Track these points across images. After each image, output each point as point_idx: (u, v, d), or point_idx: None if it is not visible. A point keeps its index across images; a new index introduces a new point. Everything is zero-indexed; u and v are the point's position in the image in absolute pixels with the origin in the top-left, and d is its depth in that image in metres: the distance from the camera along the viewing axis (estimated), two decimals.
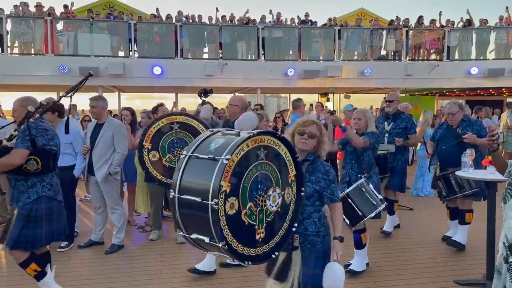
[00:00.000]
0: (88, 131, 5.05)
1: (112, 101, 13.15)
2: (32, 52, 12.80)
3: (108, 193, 4.99)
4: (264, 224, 2.18)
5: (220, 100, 22.54)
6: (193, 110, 6.46)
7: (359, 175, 4.17)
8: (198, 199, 1.95)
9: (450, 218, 5.26)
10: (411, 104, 9.82)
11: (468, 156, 4.12)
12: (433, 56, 14.97)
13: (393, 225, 5.61)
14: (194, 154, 2.09)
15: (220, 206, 1.93)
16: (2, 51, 12.22)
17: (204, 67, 12.69)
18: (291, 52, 14.20)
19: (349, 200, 3.87)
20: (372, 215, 3.89)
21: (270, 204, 2.20)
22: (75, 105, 10.18)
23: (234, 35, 13.89)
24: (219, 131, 2.21)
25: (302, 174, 2.40)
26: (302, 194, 2.41)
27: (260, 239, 2.16)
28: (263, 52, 13.67)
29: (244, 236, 2.08)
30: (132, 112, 6.29)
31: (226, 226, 1.97)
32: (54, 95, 14.12)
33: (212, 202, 1.90)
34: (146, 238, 5.48)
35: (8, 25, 12.40)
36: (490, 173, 3.78)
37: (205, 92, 5.16)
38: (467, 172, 4.08)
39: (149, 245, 5.24)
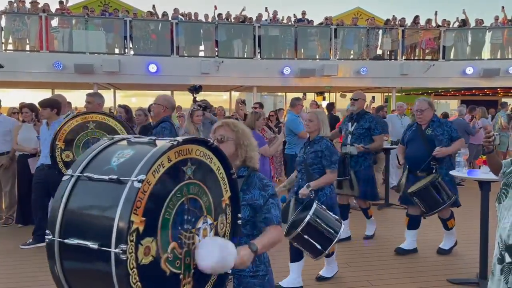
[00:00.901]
0: None
1: (108, 98, 13.06)
2: (27, 48, 12.72)
3: None
4: (192, 271, 1.54)
5: (215, 99, 22.49)
6: (188, 108, 6.42)
7: (309, 187, 3.65)
8: (94, 245, 1.25)
9: (408, 227, 4.82)
10: (406, 104, 9.87)
11: (462, 156, 4.13)
12: (428, 56, 15.01)
13: (373, 228, 5.45)
14: (85, 174, 1.37)
15: (130, 254, 1.25)
16: None
17: (200, 65, 12.65)
18: (287, 51, 14.18)
19: (306, 237, 3.35)
20: (334, 242, 3.43)
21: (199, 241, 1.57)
22: (69, 103, 10.09)
23: (230, 33, 13.85)
24: (124, 138, 1.53)
25: (238, 196, 1.83)
26: (239, 222, 1.83)
27: None
28: (259, 51, 13.65)
29: None
30: (126, 109, 6.25)
31: (138, 283, 1.29)
32: (49, 92, 14.05)
33: (117, 250, 1.22)
34: None
35: (3, 21, 12.31)
36: (483, 173, 3.78)
37: (195, 89, 5.19)
38: (461, 172, 4.09)
39: None
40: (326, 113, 7.90)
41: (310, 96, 16.71)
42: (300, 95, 10.87)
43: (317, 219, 3.35)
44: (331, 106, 10.74)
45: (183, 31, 13.38)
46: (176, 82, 13.13)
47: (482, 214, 3.86)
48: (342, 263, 4.37)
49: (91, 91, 12.70)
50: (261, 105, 7.91)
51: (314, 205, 3.41)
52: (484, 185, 3.81)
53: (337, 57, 14.16)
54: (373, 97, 10.25)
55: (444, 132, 4.45)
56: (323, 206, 3.53)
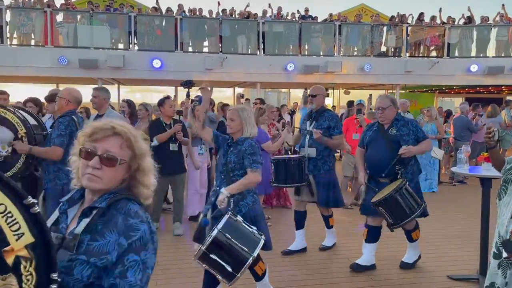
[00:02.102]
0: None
1: (112, 93, 13.11)
2: (32, 43, 12.77)
3: None
4: None
5: (219, 95, 22.50)
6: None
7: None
8: None
9: (366, 240, 4.29)
10: (410, 100, 9.85)
11: (464, 153, 4.14)
12: (433, 53, 14.96)
13: (334, 239, 4.95)
14: None
15: None
16: (2, 42, 12.18)
17: (204, 61, 12.67)
18: (291, 47, 14.18)
19: (213, 257, 2.77)
20: (247, 264, 2.78)
21: None
22: None
23: (235, 29, 13.85)
24: None
25: (50, 244, 1.17)
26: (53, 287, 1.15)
27: None
28: (263, 47, 13.65)
29: None
30: (129, 104, 6.30)
31: None
32: (53, 87, 14.11)
33: None
34: None
35: (8, 16, 12.35)
36: (485, 170, 3.80)
37: (188, 84, 5.26)
38: (462, 168, 4.10)
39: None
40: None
41: None
42: (302, 90, 10.88)
43: (226, 235, 2.77)
44: (351, 103, 9.69)
45: (187, 26, 13.40)
46: (180, 78, 13.04)
47: (482, 211, 3.88)
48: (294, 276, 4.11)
49: (95, 86, 12.79)
50: (262, 101, 7.98)
51: (225, 217, 2.87)
52: (485, 182, 3.83)
53: (341, 54, 14.14)
54: (370, 95, 10.22)
55: (409, 132, 3.95)
56: (239, 218, 2.95)
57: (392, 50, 14.81)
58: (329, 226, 4.91)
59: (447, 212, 6.67)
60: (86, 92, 5.05)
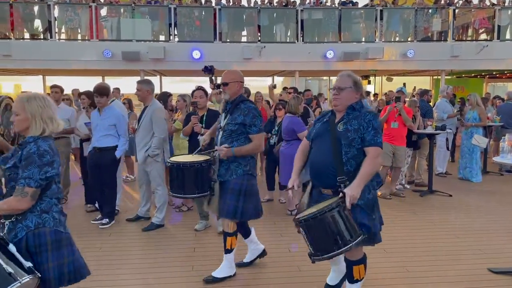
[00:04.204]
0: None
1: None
2: (79, 37, 13.30)
3: (151, 174, 5.30)
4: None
5: (258, 84, 22.56)
6: None
7: None
8: None
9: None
10: (457, 87, 9.41)
11: (507, 141, 3.95)
12: (482, 36, 14.22)
13: (229, 269, 3.85)
14: None
15: None
16: (51, 37, 12.77)
17: (242, 51, 12.71)
18: (330, 34, 13.94)
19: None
20: None
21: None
22: (118, 88, 10.54)
23: (273, 18, 13.78)
24: None
25: None
26: None
27: None
28: (301, 35, 13.51)
29: None
30: (166, 95, 6.55)
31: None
32: (99, 79, 14.68)
33: None
34: (182, 218, 5.70)
35: (56, 12, 12.90)
36: None
37: (208, 70, 5.28)
38: (506, 158, 3.92)
39: (185, 226, 5.43)
40: (416, 99, 7.55)
41: None
42: None
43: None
44: (425, 92, 8.50)
45: (226, 17, 13.46)
46: (218, 68, 13.22)
47: None
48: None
49: (138, 78, 13.18)
50: (295, 90, 7.99)
51: None
52: None
53: (382, 40, 13.75)
54: (404, 84, 9.76)
55: (360, 127, 2.84)
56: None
57: (437, 34, 14.21)
58: (226, 249, 3.79)
59: (489, 203, 6.44)
60: (129, 84, 5.34)
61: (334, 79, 15.56)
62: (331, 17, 13.68)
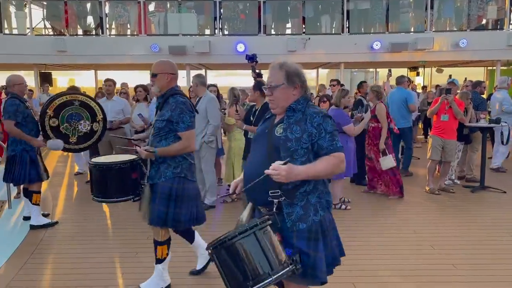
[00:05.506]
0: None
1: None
2: (128, 33, 13.75)
3: (204, 158, 5.73)
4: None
5: None
6: None
7: None
8: None
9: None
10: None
11: None
12: None
13: (159, 282, 3.48)
14: None
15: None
16: (102, 32, 13.29)
17: (286, 43, 12.65)
18: (377, 25, 13.58)
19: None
20: None
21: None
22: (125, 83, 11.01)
23: (318, 9, 13.61)
24: None
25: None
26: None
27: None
28: (347, 26, 13.25)
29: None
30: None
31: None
32: (146, 73, 15.11)
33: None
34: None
35: (107, 9, 13.40)
36: None
37: (251, 58, 5.48)
38: None
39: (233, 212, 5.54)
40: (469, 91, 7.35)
41: (402, 71, 15.86)
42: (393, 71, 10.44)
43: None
44: (478, 83, 8.14)
45: (270, 9, 13.45)
46: (263, 61, 13.27)
47: None
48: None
49: (184, 71, 13.46)
50: (338, 82, 7.97)
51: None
52: None
53: (432, 29, 13.22)
54: (390, 70, 9.48)
55: (303, 135, 2.19)
56: None
57: (493, 22, 13.47)
58: (157, 259, 3.46)
59: None
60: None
61: (381, 71, 15.31)
62: (378, 7, 13.31)
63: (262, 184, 2.12)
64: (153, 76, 3.32)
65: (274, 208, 2.14)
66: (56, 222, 5.23)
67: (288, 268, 1.99)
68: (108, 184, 3.38)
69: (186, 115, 3.23)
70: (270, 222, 2.05)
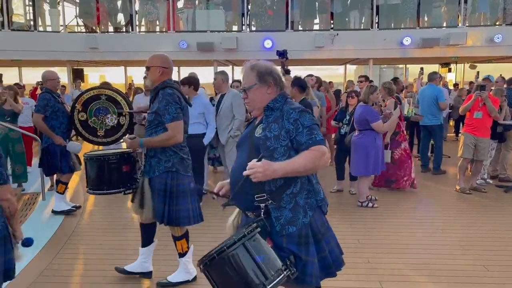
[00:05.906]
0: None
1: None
2: (157, 29, 13.95)
3: (229, 154, 5.83)
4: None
5: (331, 72, 22.18)
6: None
7: None
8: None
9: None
10: None
11: None
12: None
13: (185, 274, 3.54)
14: None
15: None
16: (132, 29, 13.53)
17: (314, 39, 12.54)
18: (408, 20, 13.29)
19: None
20: None
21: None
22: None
23: (347, 4, 13.44)
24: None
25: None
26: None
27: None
28: (377, 21, 13.02)
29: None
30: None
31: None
32: (175, 70, 15.29)
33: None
34: None
35: (136, 6, 13.63)
36: None
37: (282, 54, 5.47)
38: None
39: None
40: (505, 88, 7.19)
41: (434, 68, 15.49)
42: (420, 66, 10.21)
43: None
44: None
45: (298, 5, 13.36)
46: (290, 57, 13.24)
47: None
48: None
49: (211, 68, 13.56)
50: (366, 78, 7.87)
51: None
52: None
53: (466, 24, 12.84)
54: (422, 68, 9.22)
55: (281, 132, 2.13)
56: None
57: None
58: (179, 253, 3.50)
59: None
60: (203, 74, 5.81)
61: (411, 67, 14.99)
62: (409, 1, 13.02)
63: (246, 189, 2.06)
64: (147, 69, 3.39)
65: (262, 213, 2.08)
66: (79, 206, 5.56)
67: (283, 275, 1.93)
68: (98, 176, 3.48)
69: (172, 106, 3.19)
70: (258, 229, 1.98)
